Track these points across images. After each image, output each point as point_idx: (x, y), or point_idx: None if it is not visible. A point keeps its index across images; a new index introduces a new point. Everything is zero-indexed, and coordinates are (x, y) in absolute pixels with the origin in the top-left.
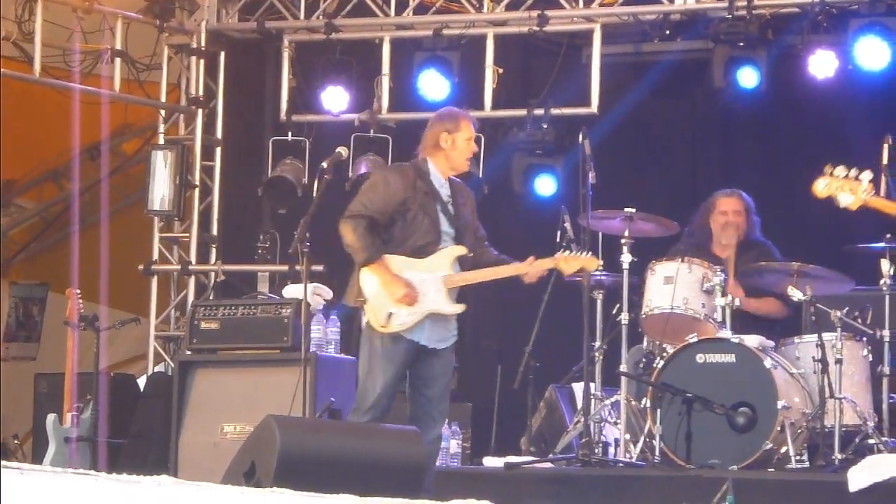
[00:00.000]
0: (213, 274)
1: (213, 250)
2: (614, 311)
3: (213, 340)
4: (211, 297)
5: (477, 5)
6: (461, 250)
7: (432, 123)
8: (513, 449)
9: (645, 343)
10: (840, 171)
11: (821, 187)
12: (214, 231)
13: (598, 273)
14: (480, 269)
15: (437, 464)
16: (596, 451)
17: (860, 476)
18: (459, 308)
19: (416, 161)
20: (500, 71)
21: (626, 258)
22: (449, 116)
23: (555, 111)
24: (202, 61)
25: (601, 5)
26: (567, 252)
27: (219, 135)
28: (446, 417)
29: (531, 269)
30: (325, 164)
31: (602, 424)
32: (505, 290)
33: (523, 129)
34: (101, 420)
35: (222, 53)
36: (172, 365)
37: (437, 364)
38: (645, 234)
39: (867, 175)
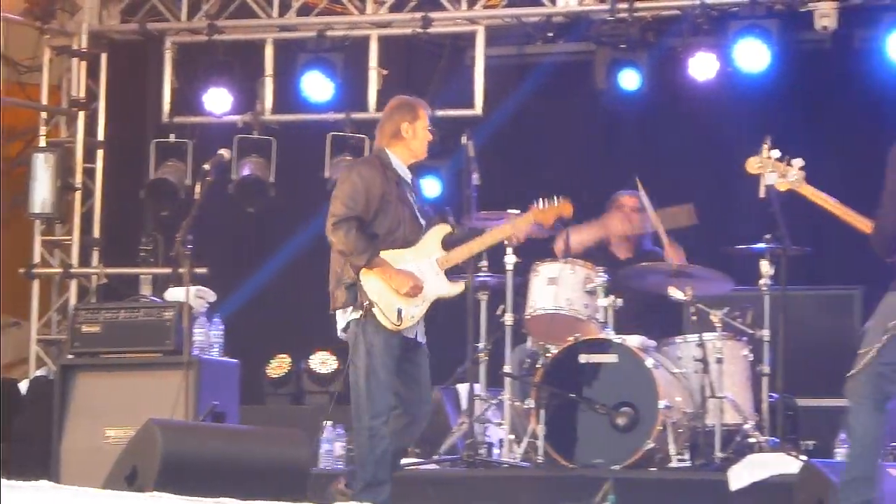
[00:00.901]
0: (94, 277)
1: (95, 253)
2: (498, 312)
3: (96, 344)
4: (93, 301)
5: (360, 7)
6: (446, 229)
7: (390, 114)
8: None
9: (529, 343)
10: (774, 152)
11: (754, 164)
12: (96, 234)
13: (482, 274)
14: (463, 244)
15: (322, 466)
16: (480, 451)
17: (741, 475)
18: (460, 287)
19: (376, 153)
20: (384, 72)
21: (511, 259)
22: (407, 106)
23: (439, 113)
24: (84, 63)
25: (484, 7)
26: (540, 205)
27: (100, 137)
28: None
29: (514, 229)
30: (207, 166)
31: (486, 425)
32: None
33: None
34: None
35: (104, 55)
36: (54, 369)
37: (422, 355)
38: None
39: (799, 162)
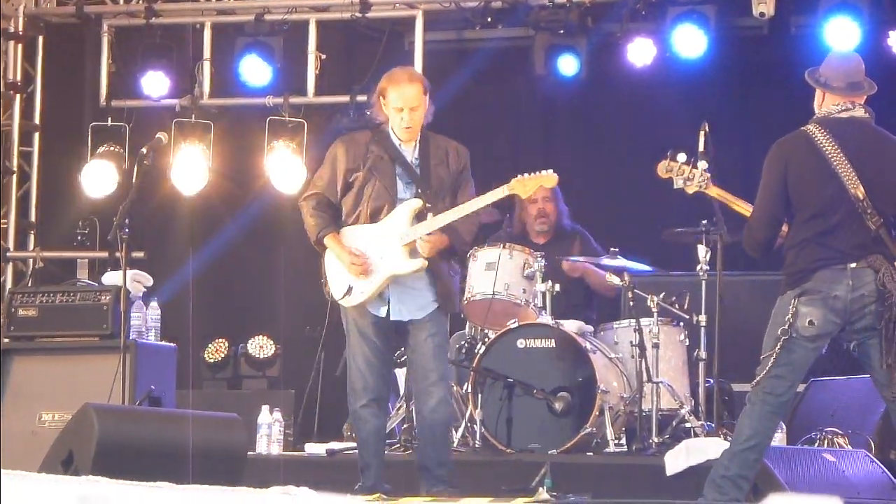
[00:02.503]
0: (31, 261)
1: (32, 237)
2: None
3: (32, 328)
4: (29, 284)
5: None
6: (416, 203)
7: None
8: (335, 435)
9: (467, 328)
10: (681, 157)
11: (661, 169)
12: (33, 217)
13: None
14: (429, 219)
15: (260, 451)
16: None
17: (677, 459)
18: (417, 264)
19: (379, 125)
20: (323, 57)
21: None
22: (383, 79)
23: None
24: (20, 46)
25: None
26: (523, 175)
27: (37, 120)
28: (446, 382)
29: (484, 201)
30: (144, 150)
31: None
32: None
33: (346, 115)
34: None
35: (40, 38)
36: None
37: (420, 333)
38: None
39: (703, 164)
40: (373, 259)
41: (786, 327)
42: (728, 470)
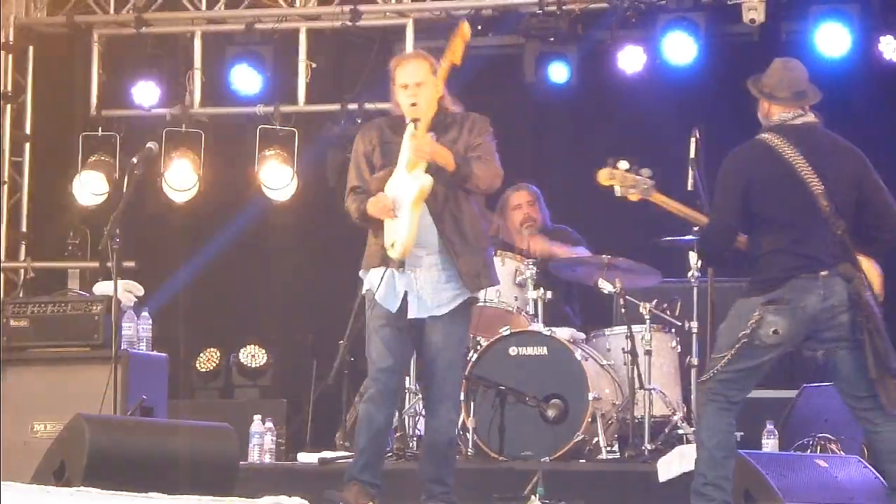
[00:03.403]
0: (22, 271)
1: (23, 247)
2: None
3: (23, 338)
4: (20, 295)
5: (289, 0)
6: (411, 130)
7: None
8: (328, 444)
9: None
10: (623, 164)
11: (603, 177)
12: (24, 227)
13: None
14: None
15: (252, 460)
16: (410, 444)
17: (669, 466)
18: (424, 180)
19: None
20: (314, 65)
21: None
22: (391, 62)
23: (368, 106)
24: (10, 56)
25: (413, 0)
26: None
27: (28, 130)
28: (456, 399)
29: (438, 87)
30: (135, 160)
31: (416, 418)
32: (319, 284)
33: (337, 124)
34: None
35: (31, 48)
36: None
37: (434, 336)
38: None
39: (647, 171)
40: (397, 200)
41: (747, 332)
42: (705, 476)
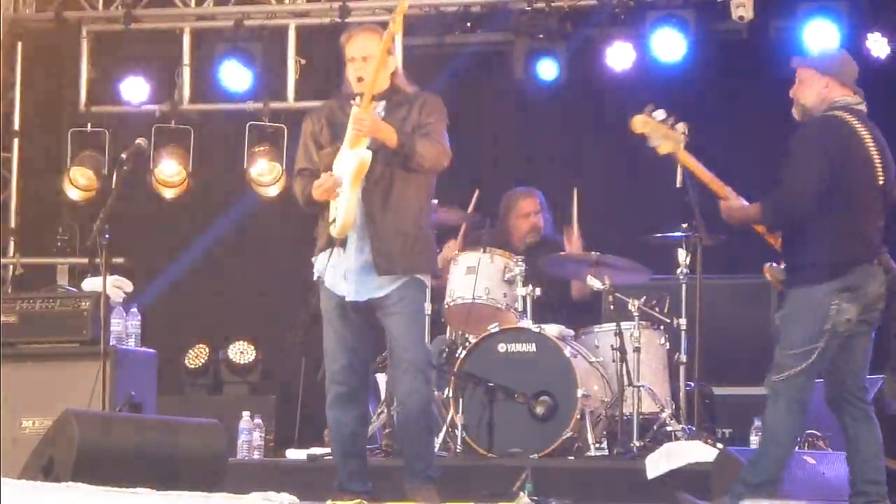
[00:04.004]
0: (11, 267)
1: (12, 243)
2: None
3: (12, 334)
4: (9, 291)
5: None
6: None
7: None
8: (317, 441)
9: (448, 333)
10: (659, 114)
11: (638, 123)
12: (13, 223)
13: None
14: None
15: (240, 456)
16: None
17: (658, 463)
18: (362, 154)
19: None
20: (303, 62)
21: None
22: (342, 35)
23: None
24: None
25: None
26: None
27: (16, 126)
28: (417, 366)
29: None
30: (124, 156)
31: None
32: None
33: None
34: None
35: (19, 43)
36: None
37: (383, 314)
38: (445, 223)
39: (682, 126)
40: (341, 178)
41: (829, 323)
42: (770, 474)
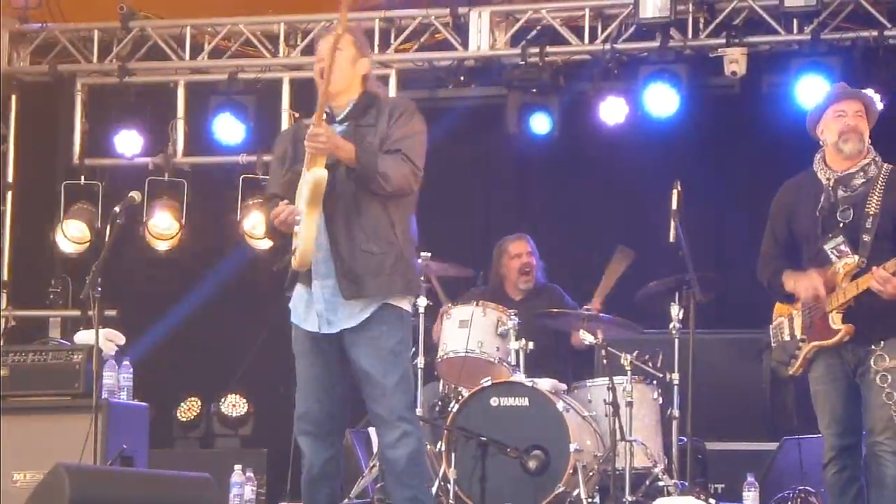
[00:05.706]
0: (3, 319)
1: (3, 295)
2: (409, 355)
3: (3, 387)
4: (1, 343)
5: (272, 50)
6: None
7: None
8: None
9: (441, 386)
10: None
11: None
12: (5, 276)
13: None
14: None
15: None
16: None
17: None
18: (317, 172)
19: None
20: (297, 115)
21: (422, 301)
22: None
23: None
24: None
25: (396, 51)
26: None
27: (10, 178)
28: (398, 408)
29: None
30: (117, 209)
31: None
32: None
33: None
34: None
35: (14, 96)
36: None
37: (355, 349)
38: (439, 277)
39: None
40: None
41: None
42: None
